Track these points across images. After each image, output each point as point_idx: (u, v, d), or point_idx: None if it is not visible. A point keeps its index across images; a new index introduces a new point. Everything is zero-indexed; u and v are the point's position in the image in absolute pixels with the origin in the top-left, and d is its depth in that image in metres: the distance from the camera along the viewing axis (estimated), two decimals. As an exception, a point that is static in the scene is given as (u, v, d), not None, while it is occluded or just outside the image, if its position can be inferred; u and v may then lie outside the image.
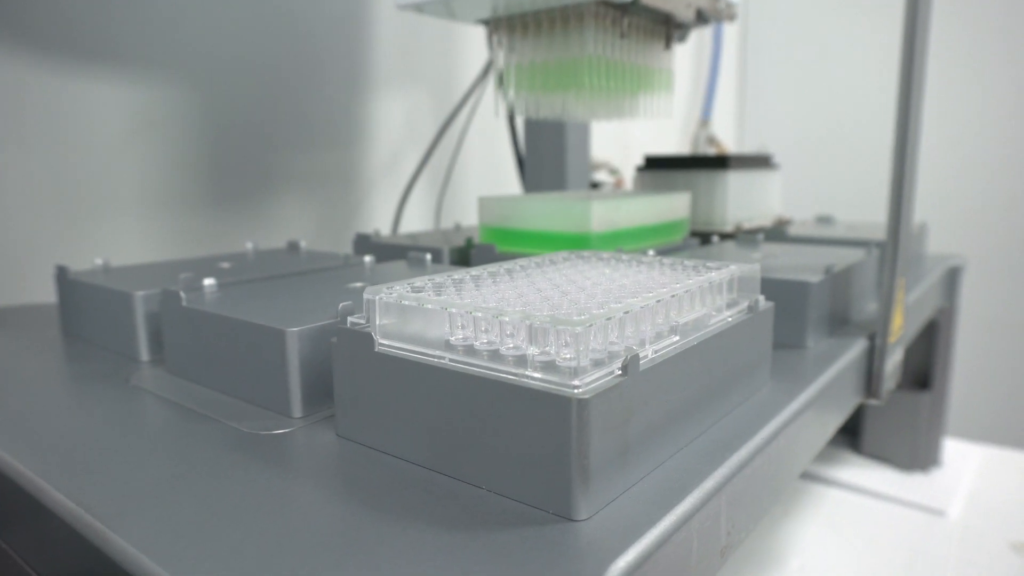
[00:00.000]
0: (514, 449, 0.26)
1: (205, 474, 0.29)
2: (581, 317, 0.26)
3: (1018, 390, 1.23)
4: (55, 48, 0.66)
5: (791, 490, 0.78)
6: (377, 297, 0.31)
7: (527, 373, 0.26)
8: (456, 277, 0.35)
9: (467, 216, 1.08)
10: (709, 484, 0.28)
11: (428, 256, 0.55)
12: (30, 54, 0.65)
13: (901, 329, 0.50)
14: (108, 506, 0.26)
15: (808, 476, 0.82)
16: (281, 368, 0.34)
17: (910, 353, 0.81)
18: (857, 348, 0.47)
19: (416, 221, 1.03)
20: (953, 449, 0.87)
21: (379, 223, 0.99)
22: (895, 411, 0.83)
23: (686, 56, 1.69)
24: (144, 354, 0.45)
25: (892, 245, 0.46)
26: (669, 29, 0.65)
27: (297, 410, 0.35)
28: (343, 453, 0.31)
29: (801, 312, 0.45)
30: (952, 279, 0.78)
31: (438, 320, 0.29)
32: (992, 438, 0.93)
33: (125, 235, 0.73)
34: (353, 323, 0.32)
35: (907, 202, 0.46)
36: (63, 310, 0.52)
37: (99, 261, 0.54)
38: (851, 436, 0.88)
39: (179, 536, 0.24)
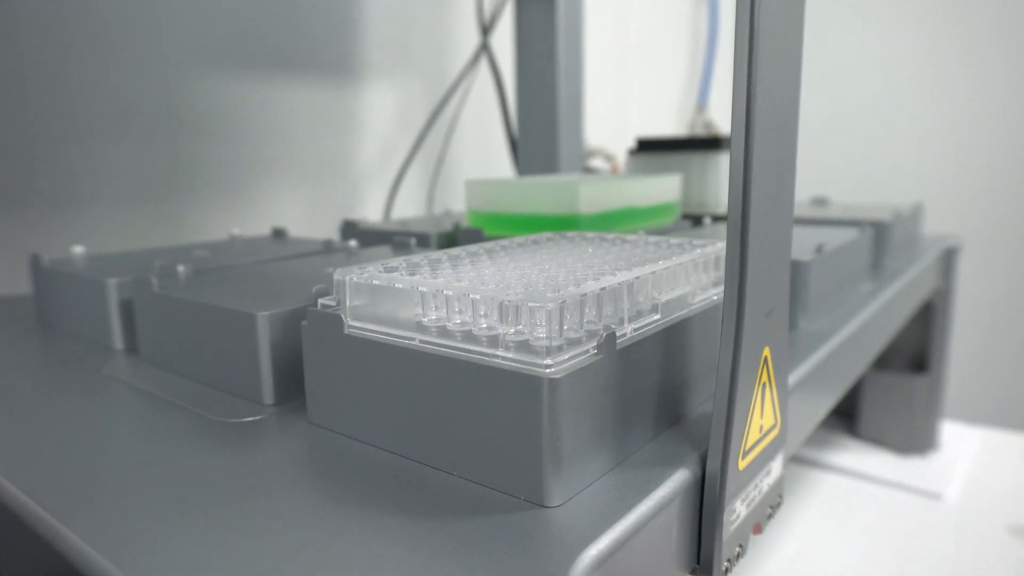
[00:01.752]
0: (485, 433, 0.25)
1: (169, 465, 0.28)
2: (554, 293, 0.25)
3: (1016, 372, 1.22)
4: (43, 35, 0.65)
5: (786, 474, 0.77)
6: (347, 277, 0.29)
7: (498, 353, 0.24)
8: (433, 257, 0.34)
9: (461, 201, 1.07)
10: (691, 468, 0.26)
11: (413, 241, 0.54)
12: (24, 40, 0.64)
13: (777, 430, 0.30)
14: (63, 500, 0.25)
15: (804, 460, 0.81)
16: (252, 354, 0.33)
17: (906, 335, 0.80)
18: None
19: (410, 207, 1.02)
20: (951, 432, 0.86)
21: (373, 210, 0.98)
22: (892, 394, 0.82)
23: (682, 40, 1.67)
24: (118, 342, 0.44)
25: (736, 292, 0.25)
26: None
27: (269, 397, 0.34)
28: (313, 441, 0.30)
29: (792, 291, 0.44)
30: (948, 260, 0.77)
31: (410, 300, 0.28)
32: (990, 420, 0.92)
33: (117, 225, 0.72)
34: (324, 305, 0.31)
35: (761, 226, 0.25)
36: (38, 299, 0.51)
37: (78, 249, 0.53)
38: (847, 419, 0.87)
39: (134, 531, 0.23)
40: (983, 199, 1.24)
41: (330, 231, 0.91)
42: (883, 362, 0.82)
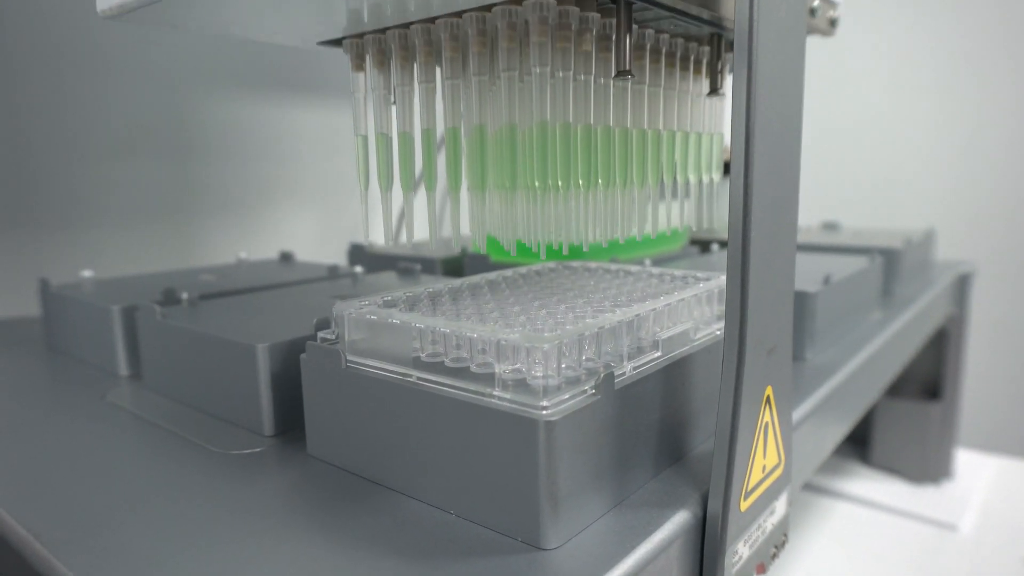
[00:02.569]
0: (481, 472, 0.24)
1: (166, 498, 0.28)
2: (551, 333, 0.24)
3: (1034, 398, 1.20)
4: (52, 55, 0.66)
5: (797, 503, 0.76)
6: (347, 312, 0.29)
7: (495, 392, 0.24)
8: (433, 291, 0.34)
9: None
10: (691, 509, 0.26)
11: (418, 267, 0.54)
12: (27, 56, 0.65)
13: (781, 469, 0.30)
14: (58, 532, 0.25)
15: (815, 488, 0.79)
16: (252, 385, 0.33)
17: (920, 362, 0.79)
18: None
19: (420, 228, 1.02)
20: (965, 460, 0.85)
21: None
22: (905, 421, 0.81)
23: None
24: (123, 368, 0.44)
25: (736, 331, 0.25)
26: (716, 52, 0.33)
27: (269, 427, 0.33)
28: (311, 474, 0.29)
29: (799, 323, 0.43)
30: (962, 286, 0.76)
31: (407, 336, 0.28)
32: (1006, 448, 0.91)
33: (129, 244, 0.73)
34: (323, 338, 0.31)
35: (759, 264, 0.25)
36: (46, 323, 0.51)
37: (87, 273, 0.53)
38: (860, 447, 0.86)
39: (126, 567, 0.23)
40: (999, 223, 1.23)
41: (341, 251, 0.91)
42: (896, 389, 0.81)
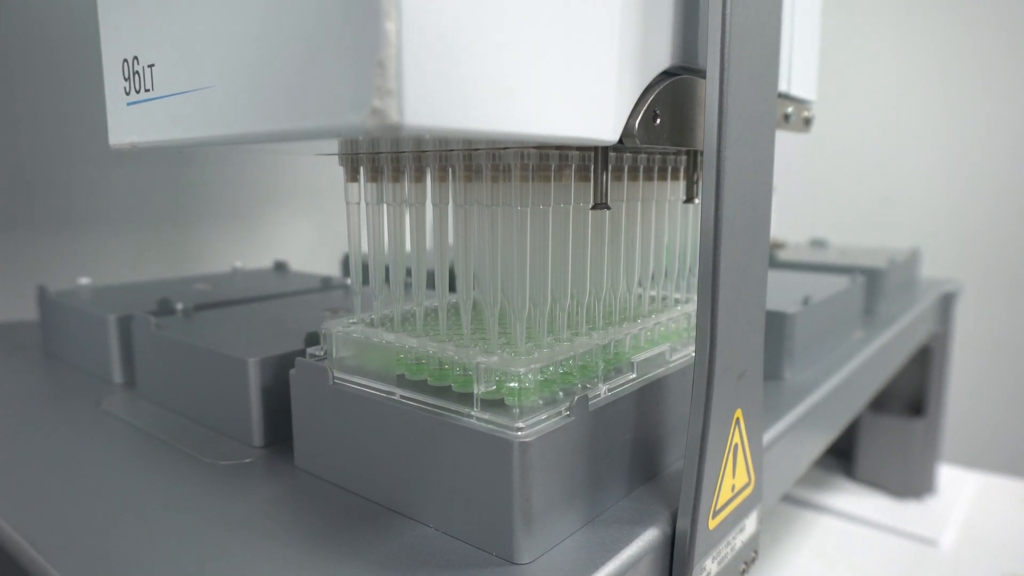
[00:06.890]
0: (459, 489, 0.26)
1: (156, 507, 0.29)
2: (527, 356, 0.26)
3: (1015, 416, 1.21)
4: (49, 59, 0.67)
5: (780, 516, 0.77)
6: (334, 331, 0.30)
7: (472, 412, 0.25)
8: (423, 307, 0.35)
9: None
10: (661, 526, 0.27)
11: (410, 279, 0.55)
12: (24, 60, 0.66)
13: (751, 488, 0.31)
14: (52, 538, 0.26)
15: (798, 502, 0.81)
16: (243, 397, 0.34)
17: (904, 379, 0.80)
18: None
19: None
20: (947, 476, 0.86)
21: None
22: (889, 437, 0.82)
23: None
24: (117, 376, 0.45)
25: (706, 357, 0.26)
26: (692, 163, 0.34)
27: (258, 439, 0.34)
28: (297, 486, 0.31)
29: (778, 343, 0.45)
30: (946, 304, 0.77)
31: (391, 355, 0.29)
32: (988, 465, 0.92)
33: (126, 249, 0.74)
34: (312, 355, 0.32)
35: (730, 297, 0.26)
36: (44, 330, 0.52)
37: (84, 280, 0.54)
38: (844, 461, 0.87)
39: (117, 574, 0.24)
40: (984, 239, 1.24)
41: (335, 259, 0.92)
42: (880, 405, 0.82)
